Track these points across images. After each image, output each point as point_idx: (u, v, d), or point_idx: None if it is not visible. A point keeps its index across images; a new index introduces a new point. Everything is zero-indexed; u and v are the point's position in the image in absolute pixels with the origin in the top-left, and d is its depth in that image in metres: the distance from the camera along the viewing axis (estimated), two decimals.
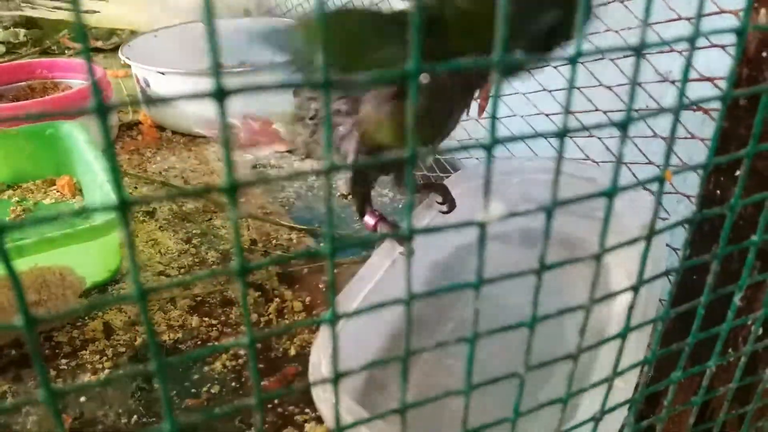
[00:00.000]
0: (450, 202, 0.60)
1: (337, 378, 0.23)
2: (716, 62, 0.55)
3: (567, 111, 0.23)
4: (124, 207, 0.17)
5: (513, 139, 0.23)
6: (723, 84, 0.52)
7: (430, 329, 0.60)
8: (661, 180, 0.26)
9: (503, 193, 0.66)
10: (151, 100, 1.17)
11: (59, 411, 0.19)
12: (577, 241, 0.63)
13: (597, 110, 0.66)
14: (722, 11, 0.47)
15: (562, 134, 0.23)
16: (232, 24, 1.42)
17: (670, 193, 0.59)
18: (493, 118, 0.22)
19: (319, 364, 0.43)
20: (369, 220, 0.56)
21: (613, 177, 0.25)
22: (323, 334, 0.46)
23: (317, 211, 0.93)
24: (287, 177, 0.21)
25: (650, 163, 0.60)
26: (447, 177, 0.70)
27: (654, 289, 0.49)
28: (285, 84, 0.19)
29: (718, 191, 0.44)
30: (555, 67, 0.67)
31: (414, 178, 0.21)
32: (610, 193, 0.26)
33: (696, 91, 0.55)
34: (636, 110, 0.65)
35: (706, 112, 0.53)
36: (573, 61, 0.21)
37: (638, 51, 0.22)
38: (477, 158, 0.91)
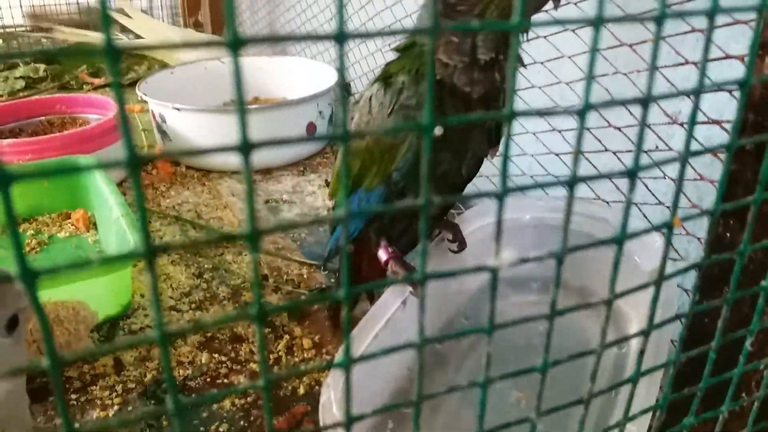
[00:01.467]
0: (461, 242, 0.60)
1: (349, 422, 0.23)
2: (724, 105, 0.56)
3: (576, 157, 0.23)
4: (151, 255, 0.18)
5: (524, 188, 0.24)
6: (730, 126, 0.53)
7: (456, 364, 0.59)
8: (669, 226, 0.27)
9: (516, 232, 0.66)
10: (172, 151, 1.19)
11: None
12: (595, 291, 0.63)
13: (607, 150, 0.66)
14: (728, 56, 0.48)
15: (572, 182, 0.23)
16: (246, 61, 1.46)
17: (680, 234, 0.59)
18: (504, 169, 0.22)
19: (330, 405, 0.43)
20: (382, 255, 0.57)
21: (622, 224, 0.26)
22: (333, 374, 0.47)
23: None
24: (307, 223, 0.21)
25: (660, 203, 0.61)
26: (459, 213, 0.70)
27: (665, 332, 0.49)
28: (308, 138, 0.19)
29: (728, 234, 0.45)
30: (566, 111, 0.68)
31: (428, 226, 0.22)
32: (620, 240, 0.26)
33: (704, 131, 0.56)
34: (645, 151, 0.66)
35: (714, 154, 0.54)
36: (582, 113, 0.22)
37: (645, 102, 0.23)
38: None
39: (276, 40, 0.19)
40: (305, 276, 0.85)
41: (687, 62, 0.53)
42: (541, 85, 0.72)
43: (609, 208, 0.66)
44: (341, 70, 0.18)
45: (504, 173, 0.22)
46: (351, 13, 1.24)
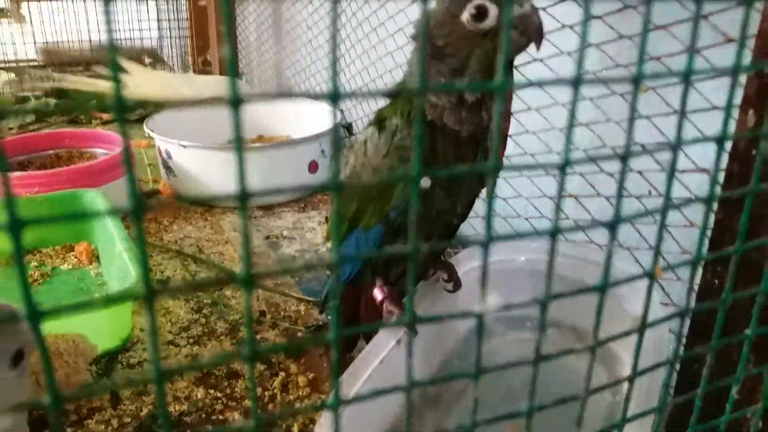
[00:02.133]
0: (456, 282, 0.61)
1: None
2: (712, 153, 0.58)
3: (557, 210, 0.24)
4: (151, 296, 0.19)
5: (507, 237, 0.25)
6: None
7: (449, 405, 0.60)
8: (651, 275, 0.28)
9: (510, 274, 0.67)
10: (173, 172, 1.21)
11: None
12: (587, 332, 0.64)
13: (599, 195, 0.68)
14: (714, 107, 0.49)
15: (554, 233, 0.24)
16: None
17: (672, 280, 0.60)
18: (489, 217, 0.23)
19: None
20: (377, 294, 0.58)
21: (604, 272, 0.27)
22: (327, 414, 0.47)
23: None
24: (304, 268, 0.22)
25: (651, 248, 0.62)
26: (456, 251, 0.71)
27: (656, 377, 0.49)
28: (304, 188, 0.21)
29: (716, 281, 0.45)
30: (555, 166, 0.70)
31: (416, 272, 0.23)
32: (602, 288, 0.27)
33: (696, 178, 0.57)
34: (638, 197, 0.67)
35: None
36: (563, 168, 0.23)
37: (624, 158, 0.24)
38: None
39: (275, 97, 0.21)
40: (303, 312, 0.86)
41: (675, 112, 0.55)
42: (535, 131, 0.73)
43: (602, 251, 0.67)
44: (335, 128, 0.19)
45: (489, 221, 0.24)
46: (349, 47, 1.27)
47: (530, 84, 0.22)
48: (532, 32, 0.46)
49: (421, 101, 0.21)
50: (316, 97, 0.20)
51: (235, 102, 0.18)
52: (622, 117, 0.63)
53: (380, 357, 0.53)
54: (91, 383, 0.71)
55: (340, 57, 1.37)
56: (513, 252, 0.68)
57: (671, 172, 0.26)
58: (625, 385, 0.59)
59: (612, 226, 0.26)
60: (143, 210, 0.18)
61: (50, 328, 0.70)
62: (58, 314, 0.19)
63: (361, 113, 1.30)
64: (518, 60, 0.59)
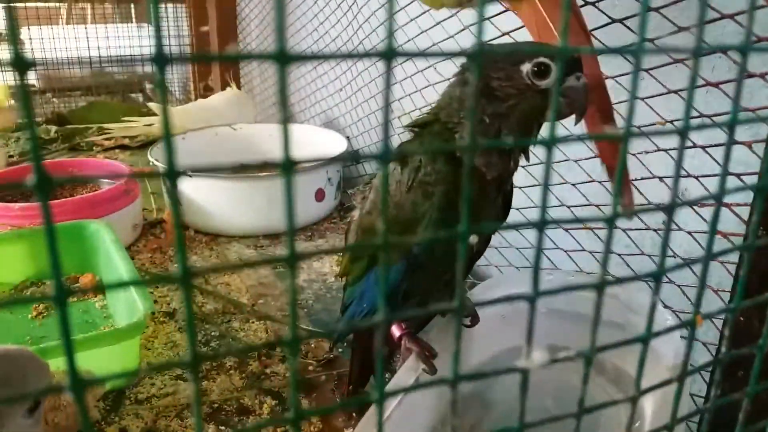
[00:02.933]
0: (474, 316, 0.60)
1: None
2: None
3: (606, 261, 0.24)
4: (196, 363, 0.18)
5: (557, 291, 0.24)
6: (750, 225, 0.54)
7: None
8: (692, 324, 0.27)
9: (527, 313, 0.67)
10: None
11: None
12: (603, 361, 0.63)
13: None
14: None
15: (600, 286, 0.24)
16: (257, 128, 1.49)
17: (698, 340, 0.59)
18: (536, 271, 0.23)
19: None
20: (395, 331, 0.57)
21: (648, 324, 0.26)
22: None
23: (336, 313, 0.93)
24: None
25: (670, 281, 0.61)
26: (473, 283, 0.71)
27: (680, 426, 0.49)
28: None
29: (742, 318, 0.45)
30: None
31: (460, 324, 0.23)
32: (645, 339, 0.27)
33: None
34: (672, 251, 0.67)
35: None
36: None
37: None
38: (499, 268, 0.92)
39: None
40: (313, 345, 0.85)
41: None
42: (576, 182, 0.74)
43: (618, 284, 0.66)
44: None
45: (536, 274, 0.23)
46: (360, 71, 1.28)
47: (577, 138, 0.22)
48: (576, 107, 0.48)
49: (471, 158, 0.21)
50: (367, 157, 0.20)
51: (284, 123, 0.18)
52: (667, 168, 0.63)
53: (398, 397, 0.52)
54: (99, 420, 0.70)
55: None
56: (526, 288, 0.67)
57: (713, 226, 0.26)
58: (646, 410, 0.58)
59: (656, 277, 0.25)
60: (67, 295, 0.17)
61: (56, 364, 0.69)
62: (101, 384, 0.19)
63: (368, 140, 1.30)
64: None
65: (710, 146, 0.56)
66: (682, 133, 0.23)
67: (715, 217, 0.25)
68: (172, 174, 0.17)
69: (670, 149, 0.62)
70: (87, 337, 0.71)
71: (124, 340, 0.71)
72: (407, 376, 0.54)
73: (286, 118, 0.18)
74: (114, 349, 0.74)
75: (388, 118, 0.19)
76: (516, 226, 0.52)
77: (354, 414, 0.70)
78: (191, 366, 0.19)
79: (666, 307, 0.62)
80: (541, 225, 0.22)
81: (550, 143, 0.21)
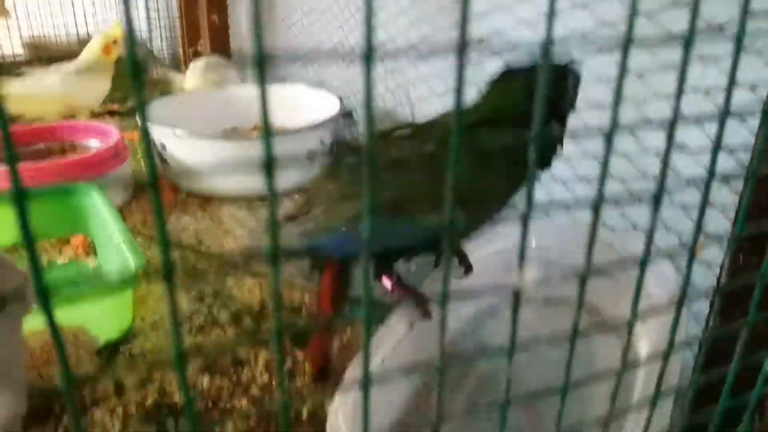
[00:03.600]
0: (467, 267, 0.60)
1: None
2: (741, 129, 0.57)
3: (603, 181, 0.23)
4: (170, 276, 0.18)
5: (552, 206, 0.24)
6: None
7: (453, 385, 0.59)
8: (692, 250, 0.27)
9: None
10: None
11: None
12: (598, 307, 0.64)
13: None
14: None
15: (596, 205, 0.23)
16: (246, 90, 1.47)
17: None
18: (530, 190, 0.22)
19: (338, 428, 0.43)
20: (386, 282, 0.57)
21: (646, 246, 0.26)
22: (341, 397, 0.46)
23: None
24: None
25: (667, 229, 0.61)
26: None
27: (675, 358, 0.49)
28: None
29: (741, 257, 0.45)
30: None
31: (453, 252, 0.22)
32: (643, 262, 0.26)
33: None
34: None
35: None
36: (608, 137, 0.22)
37: (671, 125, 0.23)
38: None
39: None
40: (307, 301, 0.85)
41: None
42: None
43: (613, 233, 0.66)
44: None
45: (530, 195, 0.23)
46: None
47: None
48: None
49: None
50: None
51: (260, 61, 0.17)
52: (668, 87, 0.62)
53: (393, 342, 0.52)
54: (95, 372, 0.70)
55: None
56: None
57: (717, 143, 0.25)
58: (641, 353, 0.58)
59: (656, 198, 0.25)
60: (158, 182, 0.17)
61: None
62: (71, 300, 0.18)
63: (361, 100, 1.28)
64: None
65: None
66: (687, 43, 0.22)
67: (720, 133, 0.25)
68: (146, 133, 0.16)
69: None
70: (78, 291, 0.71)
71: (116, 293, 0.70)
72: (400, 323, 0.54)
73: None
74: (107, 304, 0.74)
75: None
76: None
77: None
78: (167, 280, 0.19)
79: (668, 229, 0.62)
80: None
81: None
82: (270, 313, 0.83)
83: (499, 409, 0.25)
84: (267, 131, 0.17)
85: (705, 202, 0.25)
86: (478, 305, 0.63)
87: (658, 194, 0.24)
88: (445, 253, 0.22)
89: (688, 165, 0.60)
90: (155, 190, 0.17)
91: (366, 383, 0.22)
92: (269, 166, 0.18)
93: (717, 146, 0.25)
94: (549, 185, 0.79)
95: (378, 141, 0.53)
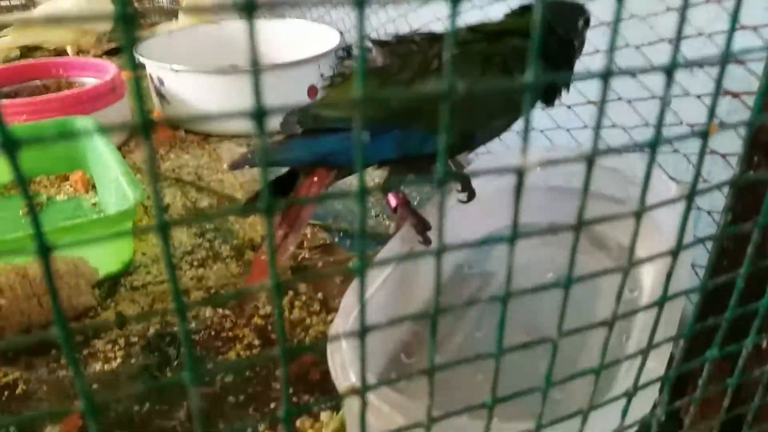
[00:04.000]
0: (470, 192, 0.59)
1: (363, 332, 0.22)
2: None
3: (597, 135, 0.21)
4: (165, 228, 0.16)
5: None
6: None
7: (457, 314, 0.59)
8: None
9: (528, 189, 0.65)
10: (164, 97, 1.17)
11: (101, 420, 0.18)
12: (605, 237, 0.63)
13: (628, 101, 0.65)
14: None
15: (590, 158, 0.22)
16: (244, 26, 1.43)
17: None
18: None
19: (340, 347, 0.42)
20: (392, 200, 0.56)
21: (641, 196, 0.24)
22: (340, 316, 0.45)
23: (330, 206, 0.92)
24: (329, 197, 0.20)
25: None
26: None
27: (684, 265, 0.48)
28: None
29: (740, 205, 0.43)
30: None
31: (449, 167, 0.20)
32: (653, 145, 0.25)
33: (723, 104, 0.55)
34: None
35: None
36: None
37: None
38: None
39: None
40: (308, 236, 0.84)
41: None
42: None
43: (620, 156, 0.64)
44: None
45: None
46: None
47: None
48: None
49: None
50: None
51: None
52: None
53: (391, 266, 0.51)
54: (96, 305, 0.70)
55: None
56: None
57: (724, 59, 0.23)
58: (644, 281, 0.58)
59: (651, 146, 0.23)
60: (150, 126, 0.15)
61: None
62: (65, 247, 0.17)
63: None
64: None
65: None
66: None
67: (721, 74, 0.23)
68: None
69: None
70: (76, 223, 0.70)
71: (115, 226, 0.69)
72: (400, 246, 0.53)
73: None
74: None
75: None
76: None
77: None
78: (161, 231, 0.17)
79: (672, 179, 0.60)
80: None
81: None
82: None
83: (500, 302, 0.24)
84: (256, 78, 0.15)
85: (720, 84, 0.24)
86: (475, 234, 0.62)
87: (654, 142, 0.23)
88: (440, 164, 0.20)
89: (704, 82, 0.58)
90: (147, 137, 0.16)
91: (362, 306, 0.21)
92: (260, 115, 0.16)
93: (717, 90, 0.23)
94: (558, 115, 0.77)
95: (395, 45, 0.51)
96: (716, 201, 0.61)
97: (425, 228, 0.55)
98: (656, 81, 0.64)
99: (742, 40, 0.50)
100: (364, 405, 0.23)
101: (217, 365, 0.55)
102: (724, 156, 0.58)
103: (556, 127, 0.79)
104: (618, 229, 0.64)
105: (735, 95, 0.56)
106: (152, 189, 0.16)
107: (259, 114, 0.17)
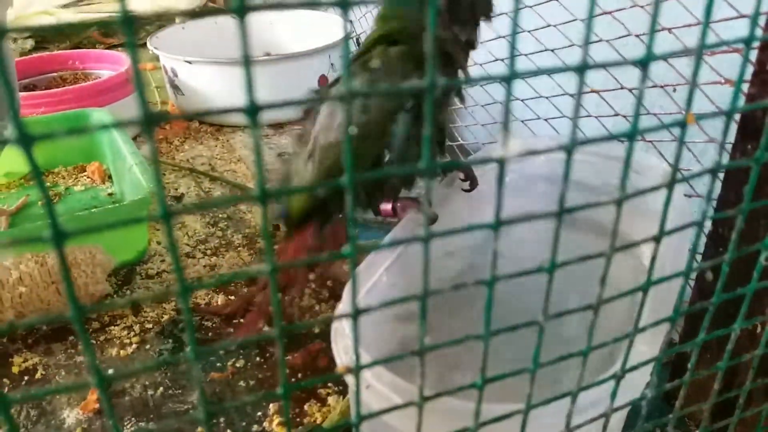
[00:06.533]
0: (473, 180, 0.60)
1: (356, 314, 0.23)
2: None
3: (575, 126, 0.22)
4: (168, 216, 0.18)
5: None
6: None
7: (438, 328, 0.60)
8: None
9: (530, 178, 0.66)
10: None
11: (110, 395, 0.20)
12: (608, 225, 0.63)
13: (623, 88, 0.65)
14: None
15: (569, 148, 0.23)
16: (255, 17, 1.44)
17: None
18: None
19: (342, 330, 0.44)
20: (386, 206, 0.57)
21: (620, 185, 0.25)
22: (344, 304, 0.47)
23: None
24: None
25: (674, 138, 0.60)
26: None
27: (682, 247, 0.48)
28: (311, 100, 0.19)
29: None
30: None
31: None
32: (619, 202, 0.26)
33: (716, 90, 0.55)
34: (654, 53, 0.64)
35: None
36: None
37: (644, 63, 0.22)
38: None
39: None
40: None
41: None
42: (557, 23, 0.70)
43: (622, 145, 0.65)
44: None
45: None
46: None
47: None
48: None
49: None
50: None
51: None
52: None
53: (397, 252, 0.52)
54: (112, 293, 0.72)
55: None
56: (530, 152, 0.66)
57: (693, 78, 0.24)
58: (648, 262, 0.58)
59: (629, 136, 0.24)
60: (155, 121, 0.17)
61: None
62: (81, 232, 0.18)
63: (366, 25, 1.25)
64: None
65: None
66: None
67: (697, 65, 0.23)
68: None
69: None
70: (92, 213, 0.72)
71: (130, 215, 0.71)
72: (406, 231, 0.54)
73: None
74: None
75: None
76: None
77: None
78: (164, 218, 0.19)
79: (672, 166, 0.61)
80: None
81: None
82: (280, 236, 0.84)
83: (488, 285, 0.25)
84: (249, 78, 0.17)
85: (696, 72, 0.24)
86: (483, 234, 0.63)
87: (632, 132, 0.24)
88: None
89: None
90: (150, 134, 0.17)
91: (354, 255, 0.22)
92: (254, 111, 0.17)
93: (693, 83, 0.23)
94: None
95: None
96: (718, 188, 0.61)
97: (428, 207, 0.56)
98: (659, 69, 0.64)
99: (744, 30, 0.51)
100: (357, 383, 0.25)
101: (221, 343, 0.57)
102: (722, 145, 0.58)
103: (561, 116, 0.79)
104: (623, 220, 0.65)
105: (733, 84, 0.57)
106: (154, 179, 0.18)
107: (252, 110, 0.18)
